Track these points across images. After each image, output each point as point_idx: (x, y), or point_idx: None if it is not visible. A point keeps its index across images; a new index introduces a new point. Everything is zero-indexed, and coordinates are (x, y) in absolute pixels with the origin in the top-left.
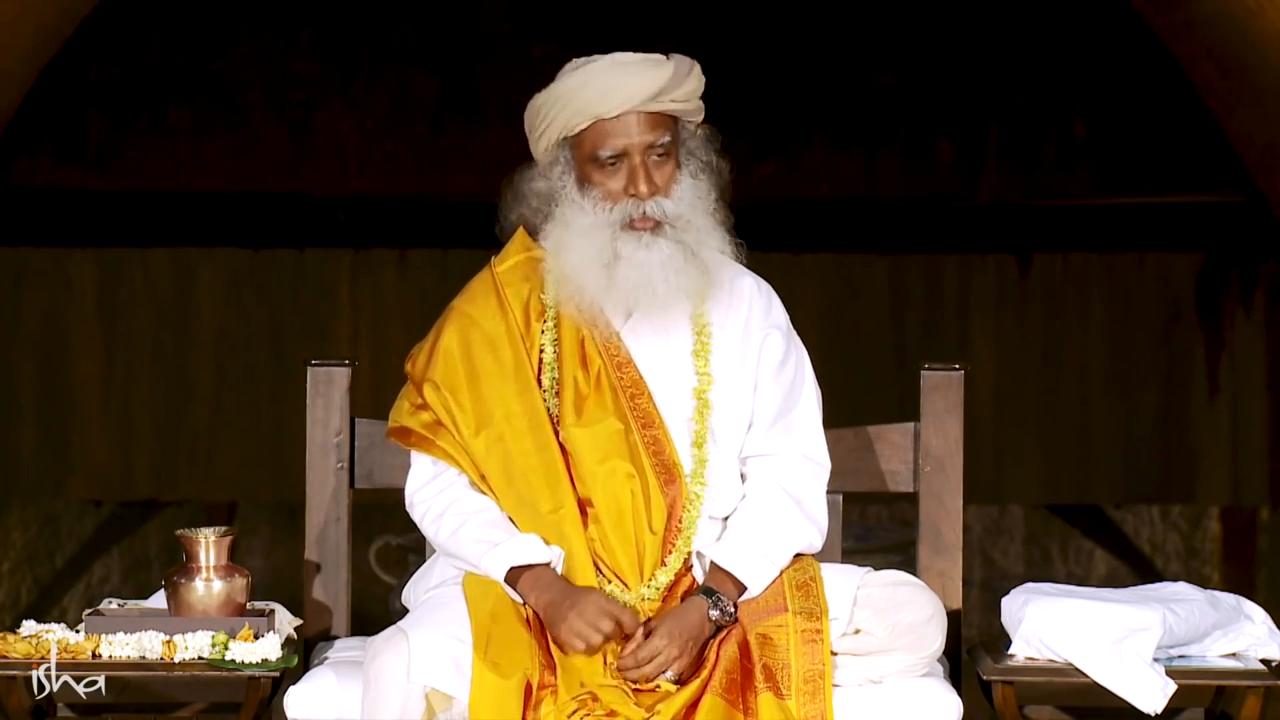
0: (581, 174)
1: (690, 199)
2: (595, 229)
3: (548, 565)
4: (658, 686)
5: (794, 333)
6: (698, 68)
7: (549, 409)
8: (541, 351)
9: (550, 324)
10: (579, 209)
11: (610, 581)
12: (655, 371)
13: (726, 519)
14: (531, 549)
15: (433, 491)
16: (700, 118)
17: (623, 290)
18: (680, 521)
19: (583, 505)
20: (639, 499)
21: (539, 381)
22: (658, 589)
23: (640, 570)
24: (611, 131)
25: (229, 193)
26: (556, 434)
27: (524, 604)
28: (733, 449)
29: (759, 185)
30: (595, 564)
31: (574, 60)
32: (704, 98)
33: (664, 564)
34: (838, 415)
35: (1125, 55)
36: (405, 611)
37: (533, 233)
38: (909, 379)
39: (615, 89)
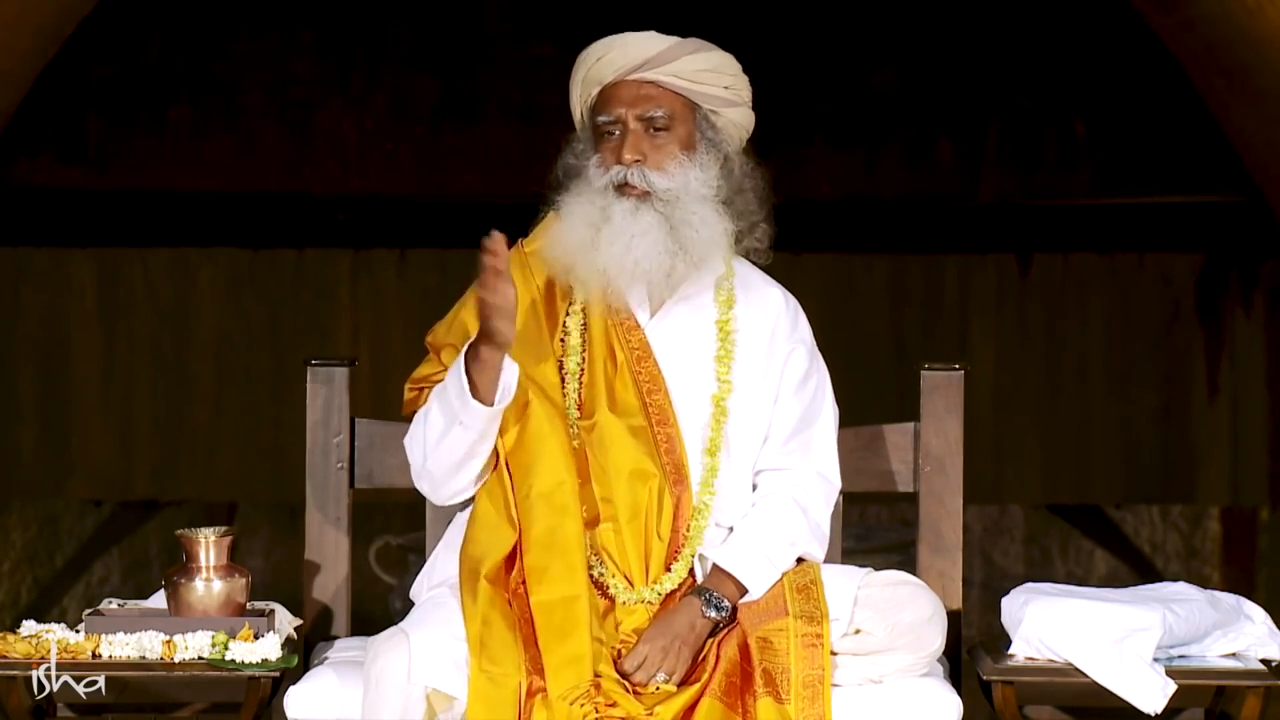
0: (594, 144)
1: (686, 179)
2: (591, 192)
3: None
4: (657, 688)
5: (817, 351)
6: (716, 52)
7: (565, 392)
8: (565, 336)
9: (578, 308)
10: (587, 177)
11: (614, 576)
12: (675, 370)
13: (730, 528)
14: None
15: (419, 417)
16: (733, 112)
17: (604, 255)
18: (688, 529)
19: (597, 499)
20: (654, 498)
21: (560, 364)
22: (659, 594)
23: (646, 571)
24: (609, 98)
25: (229, 193)
26: (568, 417)
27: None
28: (746, 460)
29: None
30: (603, 559)
31: None
32: None
33: (669, 570)
34: (838, 415)
35: (1125, 55)
36: (407, 610)
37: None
38: (909, 379)
39: (613, 54)
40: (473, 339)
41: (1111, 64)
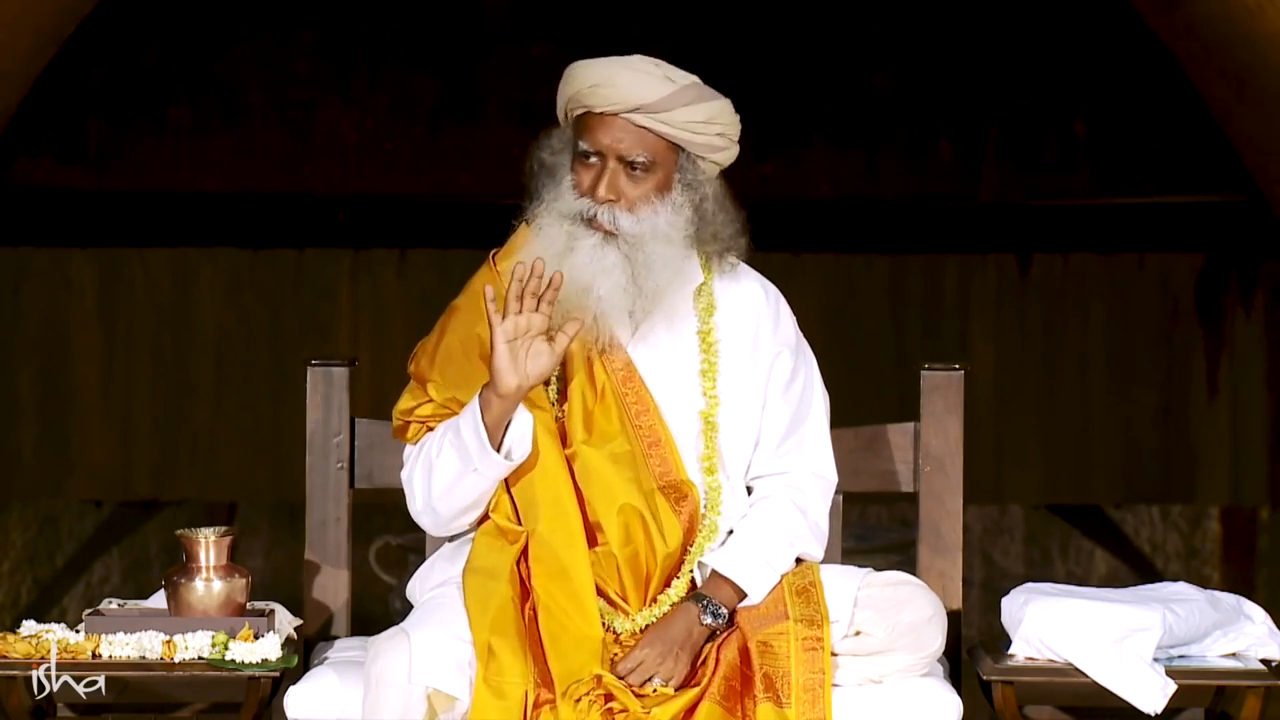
0: (572, 156)
1: (655, 222)
2: (561, 215)
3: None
4: (655, 691)
5: (802, 340)
6: (713, 102)
7: (557, 418)
8: None
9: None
10: (560, 190)
11: (613, 607)
12: (663, 388)
13: (730, 531)
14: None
15: (418, 455)
16: (719, 155)
17: (566, 291)
18: (692, 546)
19: (589, 526)
20: (649, 523)
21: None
22: (655, 617)
23: (645, 594)
24: (594, 128)
25: (229, 193)
26: (563, 443)
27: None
28: (740, 468)
29: (759, 185)
30: (598, 586)
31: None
32: None
33: (668, 588)
34: (838, 415)
35: (1125, 55)
36: (406, 610)
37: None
38: (909, 379)
39: (606, 90)
40: (485, 386)
41: (1111, 64)
